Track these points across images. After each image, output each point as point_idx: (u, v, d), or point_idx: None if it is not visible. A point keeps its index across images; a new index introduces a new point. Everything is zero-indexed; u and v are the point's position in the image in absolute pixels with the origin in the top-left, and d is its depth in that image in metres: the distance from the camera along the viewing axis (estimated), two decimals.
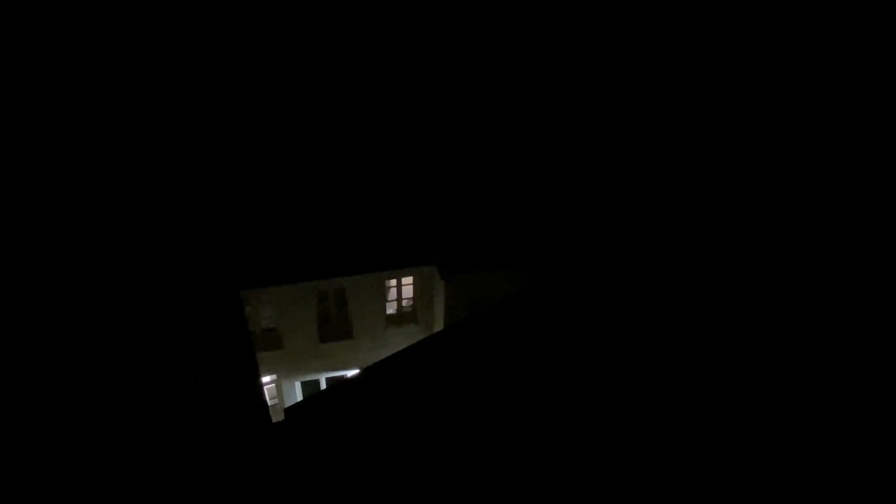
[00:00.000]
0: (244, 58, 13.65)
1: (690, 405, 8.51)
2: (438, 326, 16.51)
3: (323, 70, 14.76)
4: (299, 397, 17.72)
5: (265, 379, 16.73)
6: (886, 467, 7.19)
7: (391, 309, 17.15)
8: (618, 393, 8.94)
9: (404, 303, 17.31)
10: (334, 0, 13.90)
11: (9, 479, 4.89)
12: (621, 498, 7.70)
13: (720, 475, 7.67)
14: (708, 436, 8.11)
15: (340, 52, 14.73)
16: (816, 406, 8.07)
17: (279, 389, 17.30)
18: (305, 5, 13.69)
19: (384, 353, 14.83)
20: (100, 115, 6.90)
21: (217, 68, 13.30)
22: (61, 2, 6.30)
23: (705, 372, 8.87)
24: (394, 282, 16.63)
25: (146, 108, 8.84)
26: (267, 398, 15.77)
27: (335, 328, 16.81)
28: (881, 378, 8.04)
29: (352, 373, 17.51)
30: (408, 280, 16.76)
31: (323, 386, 17.90)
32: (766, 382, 8.52)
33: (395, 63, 15.19)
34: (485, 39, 14.96)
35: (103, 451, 5.91)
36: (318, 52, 14.57)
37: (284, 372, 16.90)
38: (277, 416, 15.05)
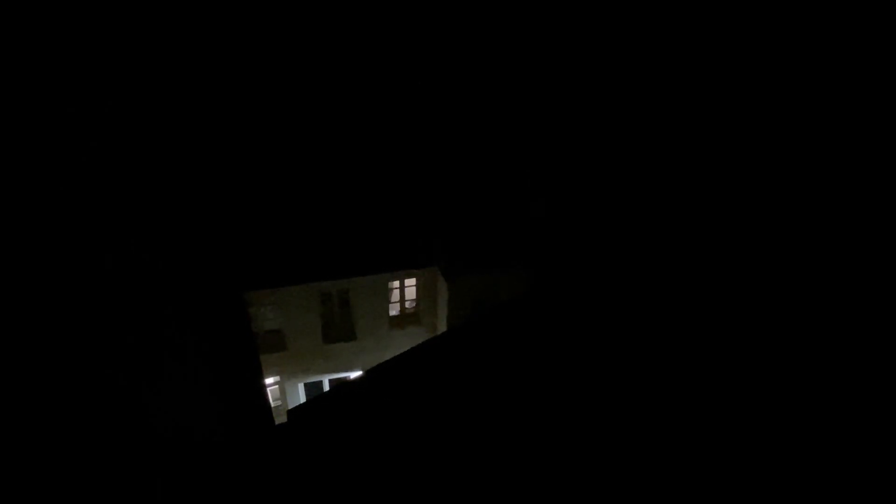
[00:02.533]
0: (247, 58, 13.67)
1: (691, 405, 8.46)
2: (442, 327, 16.48)
3: (325, 71, 14.78)
4: (303, 399, 17.71)
5: (268, 380, 16.74)
6: (886, 467, 7.13)
7: (394, 310, 17.13)
8: (621, 394, 8.89)
9: (407, 304, 17.29)
10: (336, 1, 13.92)
11: (10, 478, 4.88)
12: (623, 498, 7.65)
13: (720, 475, 7.62)
14: (708, 436, 8.06)
15: (343, 53, 14.74)
16: (816, 407, 8.00)
17: (282, 391, 17.30)
18: (307, 6, 13.71)
19: (388, 355, 14.81)
20: (100, 116, 6.90)
21: (219, 69, 13.32)
22: (62, 3, 6.30)
23: (705, 371, 8.82)
24: (397, 283, 16.61)
25: (147, 108, 8.85)
26: (270, 399, 15.77)
27: (338, 329, 16.80)
28: (881, 378, 7.98)
29: (355, 374, 17.50)
30: (411, 281, 16.73)
31: (326, 387, 17.88)
32: (766, 384, 8.46)
33: (397, 64, 15.19)
34: (485, 40, 14.95)
35: (103, 451, 5.89)
36: (320, 53, 14.59)
37: (288, 373, 16.91)
38: (281, 418, 15.04)
